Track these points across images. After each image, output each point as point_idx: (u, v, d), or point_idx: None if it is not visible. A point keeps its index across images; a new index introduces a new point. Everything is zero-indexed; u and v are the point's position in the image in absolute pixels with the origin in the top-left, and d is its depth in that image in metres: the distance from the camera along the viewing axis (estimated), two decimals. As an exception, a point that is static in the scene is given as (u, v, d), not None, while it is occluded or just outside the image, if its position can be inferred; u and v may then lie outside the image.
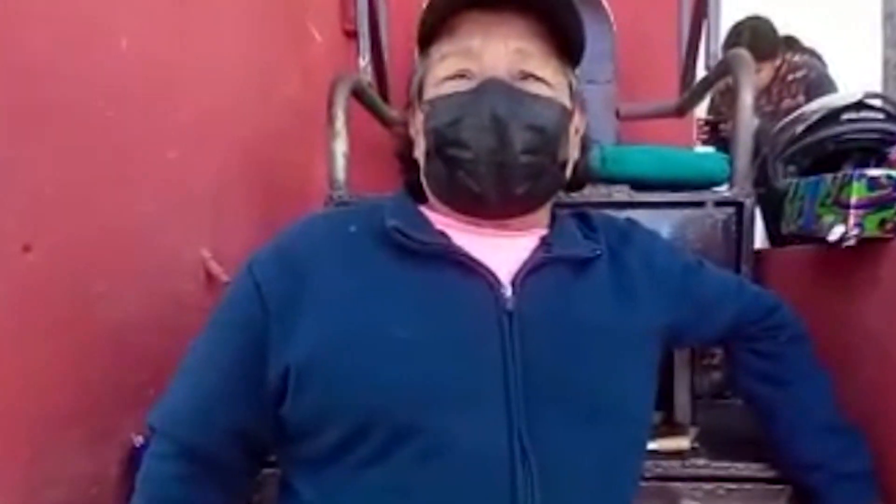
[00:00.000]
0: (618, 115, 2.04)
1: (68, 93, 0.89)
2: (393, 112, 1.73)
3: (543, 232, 0.79)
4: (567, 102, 0.77)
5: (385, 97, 1.78)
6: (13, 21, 0.79)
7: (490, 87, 0.71)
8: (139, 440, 1.01)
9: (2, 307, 0.78)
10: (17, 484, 0.82)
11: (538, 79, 0.74)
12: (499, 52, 0.73)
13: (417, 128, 0.79)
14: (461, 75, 0.74)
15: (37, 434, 0.85)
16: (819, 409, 0.88)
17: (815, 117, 1.27)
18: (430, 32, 0.76)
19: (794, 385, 0.89)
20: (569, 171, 0.80)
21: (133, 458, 1.00)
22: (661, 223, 1.25)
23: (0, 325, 0.78)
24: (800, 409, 0.88)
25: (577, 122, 0.81)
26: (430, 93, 0.76)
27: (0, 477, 0.79)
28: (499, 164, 0.71)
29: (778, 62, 2.71)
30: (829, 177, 0.98)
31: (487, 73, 0.72)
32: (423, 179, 0.79)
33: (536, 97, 0.73)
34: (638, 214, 1.17)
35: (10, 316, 0.80)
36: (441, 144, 0.73)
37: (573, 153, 0.80)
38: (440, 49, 0.76)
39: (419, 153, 0.79)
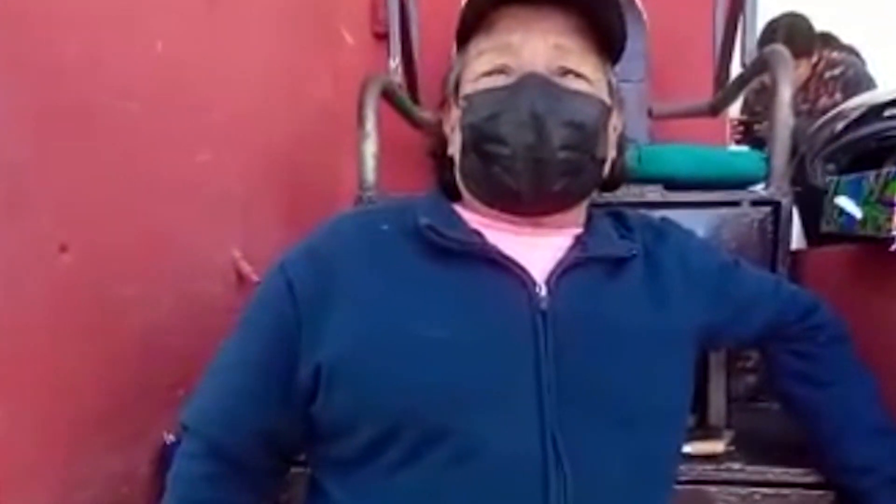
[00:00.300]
0: (650, 114, 2.02)
1: (104, 95, 0.90)
2: (423, 113, 1.73)
3: (578, 231, 0.78)
4: (606, 99, 0.76)
5: (415, 98, 1.77)
6: (50, 24, 0.80)
7: (529, 83, 0.71)
8: (170, 438, 1.02)
9: (40, 307, 0.80)
10: (53, 484, 0.83)
11: (577, 75, 0.73)
12: (538, 47, 0.72)
13: (453, 124, 0.79)
14: (499, 71, 0.73)
15: (72, 435, 0.86)
16: (867, 411, 0.86)
17: (856, 114, 1.23)
18: (469, 28, 0.76)
19: (836, 386, 0.86)
20: (606, 170, 0.79)
21: (164, 456, 1.01)
22: (696, 223, 1.22)
23: (38, 325, 0.80)
24: (846, 411, 0.86)
25: (616, 120, 0.80)
26: (468, 88, 0.75)
27: (37, 478, 0.80)
28: (537, 160, 0.70)
29: (815, 59, 2.66)
30: (871, 174, 0.95)
31: (526, 69, 0.71)
32: (457, 176, 0.79)
33: (576, 93, 0.72)
34: (672, 214, 1.15)
35: (47, 316, 0.81)
36: (478, 140, 0.72)
37: (611, 152, 0.79)
38: (478, 45, 0.75)
39: (454, 150, 0.78)
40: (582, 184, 0.75)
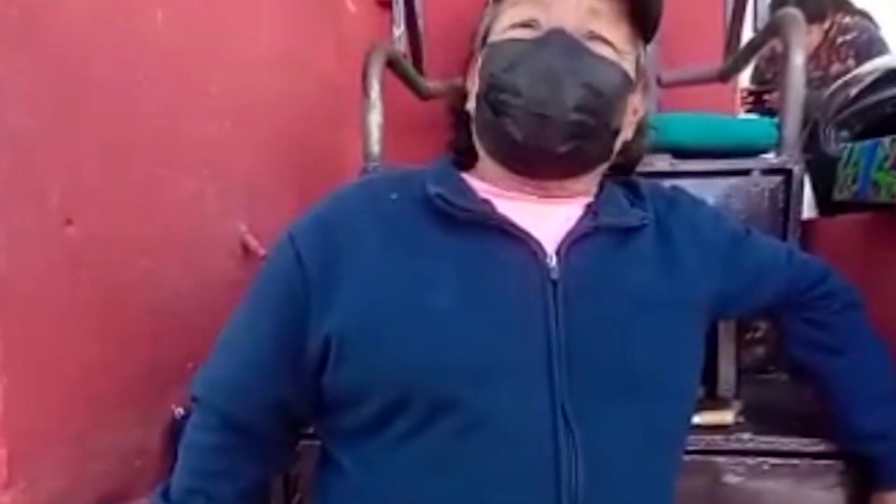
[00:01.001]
0: (659, 82, 1.98)
1: (107, 66, 0.89)
2: (428, 83, 1.70)
3: (589, 200, 0.77)
4: (631, 72, 0.74)
5: (420, 68, 1.75)
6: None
7: (554, 39, 0.69)
8: (180, 412, 1.02)
9: (48, 282, 0.79)
10: (69, 457, 0.84)
11: (606, 42, 0.72)
12: (570, 6, 0.71)
13: (474, 77, 0.78)
14: (528, 24, 0.72)
15: (86, 408, 0.86)
16: (881, 377, 0.86)
17: (870, 79, 1.21)
18: None
19: (852, 353, 0.86)
20: (617, 146, 0.77)
21: (174, 430, 1.01)
22: (706, 192, 1.20)
23: (48, 298, 0.80)
24: (860, 378, 0.86)
25: (637, 102, 0.78)
26: (494, 38, 0.74)
27: (53, 451, 0.81)
28: (547, 116, 0.69)
29: (827, 24, 2.60)
30: (886, 140, 0.94)
31: (554, 24, 0.70)
32: (473, 128, 0.78)
33: (599, 57, 0.71)
34: (682, 183, 1.13)
35: (57, 290, 0.81)
36: (492, 88, 0.71)
37: (627, 131, 0.77)
38: None
39: (472, 103, 0.78)
40: (590, 151, 0.73)
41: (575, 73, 0.69)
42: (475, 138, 0.78)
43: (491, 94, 0.71)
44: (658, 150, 1.30)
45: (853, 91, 1.24)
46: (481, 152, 0.77)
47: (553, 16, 0.71)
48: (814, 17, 2.46)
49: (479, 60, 0.75)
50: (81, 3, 0.84)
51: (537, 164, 0.73)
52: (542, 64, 0.68)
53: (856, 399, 0.86)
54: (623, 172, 0.82)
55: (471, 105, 0.78)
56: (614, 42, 0.72)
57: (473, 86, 0.78)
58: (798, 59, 1.23)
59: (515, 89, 0.69)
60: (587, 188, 0.78)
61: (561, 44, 0.69)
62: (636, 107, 0.78)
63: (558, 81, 0.68)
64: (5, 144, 0.73)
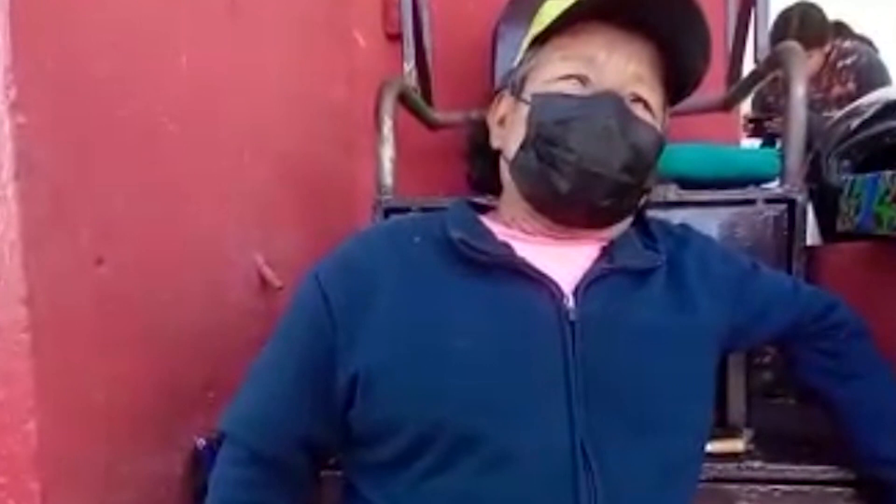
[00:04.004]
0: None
1: (135, 112, 0.92)
2: (436, 115, 1.74)
3: (604, 242, 0.80)
4: (663, 135, 0.78)
5: (428, 100, 1.79)
6: (85, 47, 0.82)
7: (608, 99, 0.73)
8: (202, 442, 1.04)
9: (80, 320, 0.82)
10: (96, 486, 0.85)
11: (646, 105, 0.76)
12: (620, 69, 0.74)
13: (502, 116, 0.81)
14: (578, 79, 0.75)
15: (113, 440, 0.88)
16: (893, 403, 0.87)
17: (871, 111, 1.24)
18: (552, 30, 0.77)
19: (862, 380, 0.88)
20: (642, 201, 0.81)
21: (196, 460, 1.03)
22: (711, 222, 1.23)
23: (79, 335, 0.82)
24: (872, 404, 0.87)
25: None
26: (538, 87, 0.77)
27: (83, 483, 0.83)
28: (595, 173, 0.72)
29: (827, 49, 2.64)
30: (888, 174, 0.96)
31: (606, 86, 0.73)
32: (503, 167, 0.81)
33: (643, 122, 0.75)
34: (687, 213, 1.16)
35: (87, 326, 0.83)
36: (541, 139, 0.74)
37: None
38: (561, 49, 0.77)
39: (503, 142, 0.80)
40: (623, 207, 0.77)
41: (625, 134, 0.72)
42: (505, 176, 0.81)
43: (539, 144, 0.74)
44: (665, 180, 1.32)
45: (854, 123, 1.27)
46: (512, 192, 0.80)
47: (604, 77, 0.74)
48: (814, 42, 2.50)
49: (525, 106, 0.77)
50: (112, 53, 0.87)
51: (574, 215, 0.76)
52: (597, 123, 0.72)
53: (871, 425, 0.87)
54: (636, 215, 0.85)
55: (504, 145, 0.81)
56: (652, 106, 0.76)
57: (502, 125, 0.81)
58: (800, 92, 1.26)
59: (567, 144, 0.72)
60: (609, 235, 0.81)
61: (613, 105, 0.73)
62: None
63: (611, 141, 0.72)
64: (40, 188, 0.76)
